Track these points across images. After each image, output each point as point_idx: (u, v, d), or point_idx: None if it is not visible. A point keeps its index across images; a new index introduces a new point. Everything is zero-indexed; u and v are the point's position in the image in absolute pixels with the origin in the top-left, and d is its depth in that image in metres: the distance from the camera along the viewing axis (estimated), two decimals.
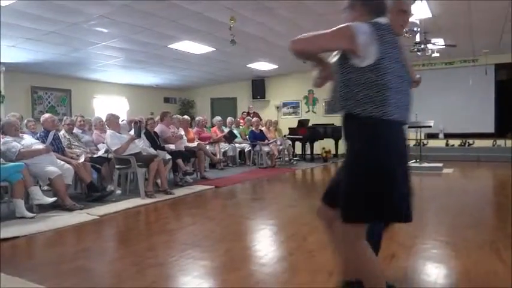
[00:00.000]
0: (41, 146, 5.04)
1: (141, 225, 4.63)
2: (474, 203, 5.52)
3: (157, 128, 7.08)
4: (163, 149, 6.66)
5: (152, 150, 6.31)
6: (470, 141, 11.02)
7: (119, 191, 5.90)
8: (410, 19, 7.45)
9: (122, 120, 6.52)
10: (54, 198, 4.81)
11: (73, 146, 6.06)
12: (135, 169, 5.73)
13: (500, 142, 10.67)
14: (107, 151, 6.05)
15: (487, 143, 10.81)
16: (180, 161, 6.83)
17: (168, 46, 8.98)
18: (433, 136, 11.59)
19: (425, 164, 8.71)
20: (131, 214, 4.89)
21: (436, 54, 9.29)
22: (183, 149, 7.29)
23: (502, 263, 2.81)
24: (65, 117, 6.59)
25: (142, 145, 6.20)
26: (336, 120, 12.77)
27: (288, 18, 7.54)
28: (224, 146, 9.65)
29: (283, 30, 8.28)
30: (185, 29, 7.85)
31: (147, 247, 3.49)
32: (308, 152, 11.45)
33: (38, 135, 5.61)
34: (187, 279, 2.70)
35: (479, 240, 3.40)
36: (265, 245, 3.69)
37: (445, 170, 8.42)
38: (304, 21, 7.69)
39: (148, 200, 5.49)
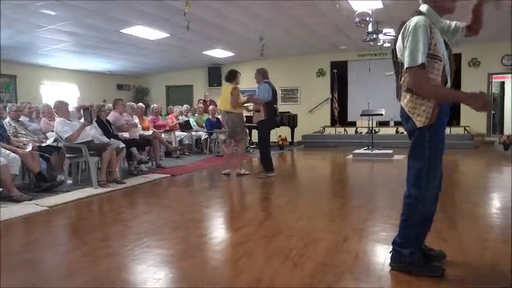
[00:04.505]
0: None
1: (93, 216, 4.50)
2: None
3: (110, 116, 6.87)
4: (116, 137, 6.48)
5: (105, 139, 6.13)
6: None
7: (69, 181, 5.70)
8: (363, 9, 7.65)
9: (72, 108, 6.27)
10: None
11: (19, 135, 5.77)
12: (87, 158, 5.54)
13: (447, 130, 11.20)
14: (56, 140, 5.80)
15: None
16: (134, 150, 6.69)
17: (121, 31, 8.69)
18: (384, 124, 12.03)
19: (377, 151, 9.03)
20: (83, 204, 4.75)
21: (387, 44, 9.58)
22: (138, 137, 7.13)
23: (444, 242, 2.98)
24: (9, 104, 6.25)
25: (94, 133, 6.00)
26: (292, 108, 12.97)
27: (245, 6, 7.51)
28: (180, 134, 9.54)
29: (239, 17, 8.24)
30: (139, 14, 7.63)
31: (100, 237, 3.41)
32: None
33: None
34: (141, 268, 2.67)
35: None
36: (221, 232, 3.70)
37: (396, 157, 8.76)
38: (261, 8, 7.69)
39: (101, 190, 5.34)
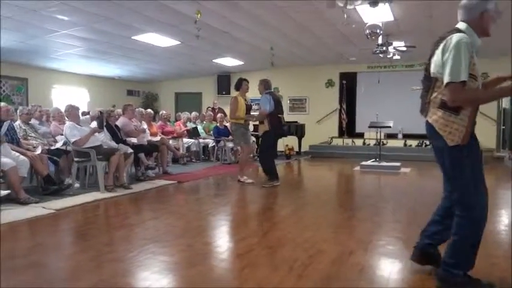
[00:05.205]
0: None
1: (99, 220, 4.52)
2: (429, 202, 5.70)
3: (119, 121, 6.92)
4: (124, 142, 6.52)
5: (113, 144, 6.17)
6: (427, 142, 11.46)
7: (77, 185, 5.74)
8: (374, 21, 7.68)
9: (86, 114, 6.33)
10: (7, 191, 4.60)
11: (29, 137, 5.82)
12: (95, 162, 5.58)
13: None
14: (65, 143, 5.86)
15: None
16: (142, 155, 6.73)
17: (132, 37, 8.78)
18: (392, 136, 11.97)
19: (384, 163, 8.98)
20: (90, 208, 4.77)
21: (397, 57, 9.59)
22: (146, 143, 7.17)
23: None
24: (20, 107, 6.32)
25: (103, 138, 6.05)
26: (300, 118, 12.97)
27: (255, 15, 7.56)
28: (187, 141, 9.57)
29: (250, 26, 8.29)
30: (150, 21, 7.70)
31: (106, 242, 3.42)
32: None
33: None
34: (145, 275, 2.67)
35: None
36: (226, 240, 3.70)
37: (403, 169, 8.71)
38: (271, 17, 7.74)
39: (108, 194, 5.37)
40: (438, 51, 2.29)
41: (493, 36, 2.49)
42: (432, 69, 2.33)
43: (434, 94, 2.34)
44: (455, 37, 2.23)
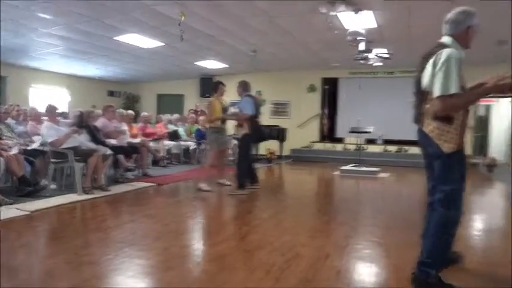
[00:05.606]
0: None
1: (76, 222, 4.45)
2: (407, 206, 5.84)
3: (99, 122, 6.82)
4: (103, 143, 6.43)
5: (92, 145, 6.08)
6: (406, 148, 11.65)
7: (53, 186, 5.63)
8: (357, 28, 7.77)
9: (66, 116, 6.23)
10: None
11: (4, 137, 5.69)
12: (73, 163, 5.49)
13: None
14: (42, 144, 5.74)
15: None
16: (121, 157, 6.64)
17: (114, 38, 8.69)
18: (372, 142, 12.12)
19: (364, 168, 9.08)
20: (66, 210, 4.69)
21: (378, 64, 9.72)
22: (125, 145, 7.09)
23: None
24: None
25: (81, 139, 5.96)
26: (281, 122, 13.02)
27: (239, 18, 7.57)
28: (168, 144, 9.51)
29: (233, 29, 8.30)
30: (133, 22, 7.65)
31: (82, 245, 3.37)
32: (253, 152, 11.53)
33: None
34: (120, 279, 2.64)
35: (409, 241, 3.57)
36: (203, 244, 3.69)
37: (382, 175, 8.83)
38: (255, 21, 7.77)
39: (85, 196, 5.28)
40: (429, 66, 2.43)
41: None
42: (424, 83, 2.47)
43: (427, 106, 2.48)
44: (445, 52, 2.37)
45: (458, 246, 2.71)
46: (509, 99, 11.49)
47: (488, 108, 13.96)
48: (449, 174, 2.47)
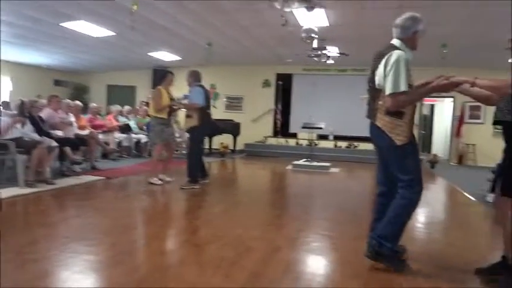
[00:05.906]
0: None
1: (18, 217, 4.22)
2: (355, 200, 6.04)
3: (44, 113, 6.50)
4: (48, 135, 6.14)
5: (36, 136, 5.78)
6: (356, 144, 12.03)
7: None
8: (310, 26, 7.90)
9: (6, 105, 5.87)
10: None
11: None
12: (15, 155, 5.20)
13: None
14: None
15: (370, 146, 11.79)
16: (68, 149, 6.36)
17: (61, 24, 8.29)
18: (324, 137, 12.41)
19: (315, 163, 9.28)
20: (7, 205, 4.43)
21: (330, 61, 9.95)
22: (72, 137, 6.81)
23: None
24: None
25: (24, 129, 5.65)
26: (235, 116, 13.03)
27: (194, 11, 7.47)
28: (119, 136, 9.23)
29: (189, 22, 8.18)
30: (83, 9, 7.33)
31: (23, 241, 3.19)
32: (207, 146, 11.46)
33: None
34: (66, 275, 2.54)
35: (356, 233, 3.72)
36: (154, 238, 3.62)
37: (332, 170, 9.07)
38: (210, 15, 7.69)
39: (28, 190, 5.02)
40: (381, 66, 2.68)
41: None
42: (377, 81, 2.72)
43: (380, 102, 2.72)
44: (395, 54, 2.63)
45: (402, 238, 2.83)
46: (451, 99, 12.17)
47: (432, 107, 14.73)
48: (406, 165, 2.73)
